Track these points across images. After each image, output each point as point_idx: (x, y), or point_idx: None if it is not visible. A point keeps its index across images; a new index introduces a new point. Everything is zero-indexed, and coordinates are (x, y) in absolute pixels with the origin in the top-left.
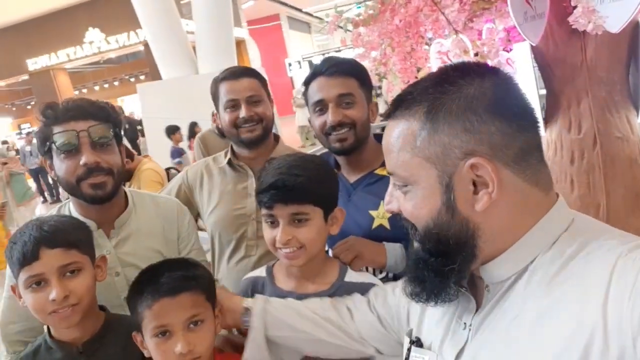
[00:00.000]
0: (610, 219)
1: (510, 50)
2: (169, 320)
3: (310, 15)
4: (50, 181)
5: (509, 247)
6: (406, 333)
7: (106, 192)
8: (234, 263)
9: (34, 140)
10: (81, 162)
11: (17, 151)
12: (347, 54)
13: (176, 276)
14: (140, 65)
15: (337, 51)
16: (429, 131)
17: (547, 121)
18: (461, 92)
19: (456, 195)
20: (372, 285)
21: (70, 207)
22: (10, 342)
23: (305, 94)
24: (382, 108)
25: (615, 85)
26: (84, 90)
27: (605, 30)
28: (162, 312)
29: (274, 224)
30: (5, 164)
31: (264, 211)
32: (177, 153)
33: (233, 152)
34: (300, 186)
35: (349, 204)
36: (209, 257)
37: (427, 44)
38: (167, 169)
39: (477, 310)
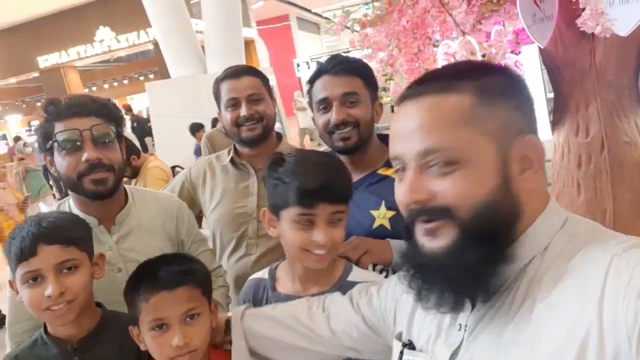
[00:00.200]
0: (617, 224)
1: (519, 53)
2: (166, 313)
3: (319, 16)
4: None
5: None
6: (395, 336)
7: (107, 188)
8: (234, 261)
9: None
10: (83, 159)
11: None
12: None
13: (173, 270)
14: (150, 64)
15: (346, 52)
16: (487, 105)
17: (554, 124)
18: (507, 72)
19: (511, 173)
20: (375, 284)
21: (70, 204)
22: (17, 341)
23: (309, 92)
24: (388, 109)
25: (624, 89)
26: (94, 88)
27: (614, 34)
28: (159, 305)
29: (310, 224)
30: (22, 159)
31: (301, 211)
32: (201, 151)
33: (236, 150)
34: (345, 185)
35: (351, 203)
36: None
37: (434, 45)
38: (173, 167)
39: (471, 311)
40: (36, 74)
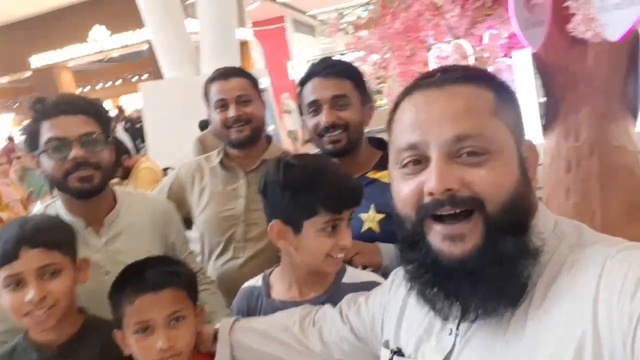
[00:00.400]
0: (605, 228)
1: (510, 57)
2: (151, 315)
3: (315, 18)
4: None
5: None
6: (382, 344)
7: (93, 186)
8: (220, 264)
9: None
10: (69, 157)
11: None
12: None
13: (159, 272)
14: (143, 65)
15: (341, 54)
16: (505, 102)
17: (545, 129)
18: (506, 83)
19: (525, 169)
20: (374, 283)
21: (57, 205)
22: None
23: (300, 94)
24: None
25: (614, 94)
26: (86, 89)
27: (605, 39)
28: (144, 307)
29: (334, 229)
30: (19, 157)
31: (329, 217)
32: None
33: (225, 152)
34: (362, 187)
35: None
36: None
37: (428, 49)
38: (166, 169)
39: (462, 316)
40: (28, 74)
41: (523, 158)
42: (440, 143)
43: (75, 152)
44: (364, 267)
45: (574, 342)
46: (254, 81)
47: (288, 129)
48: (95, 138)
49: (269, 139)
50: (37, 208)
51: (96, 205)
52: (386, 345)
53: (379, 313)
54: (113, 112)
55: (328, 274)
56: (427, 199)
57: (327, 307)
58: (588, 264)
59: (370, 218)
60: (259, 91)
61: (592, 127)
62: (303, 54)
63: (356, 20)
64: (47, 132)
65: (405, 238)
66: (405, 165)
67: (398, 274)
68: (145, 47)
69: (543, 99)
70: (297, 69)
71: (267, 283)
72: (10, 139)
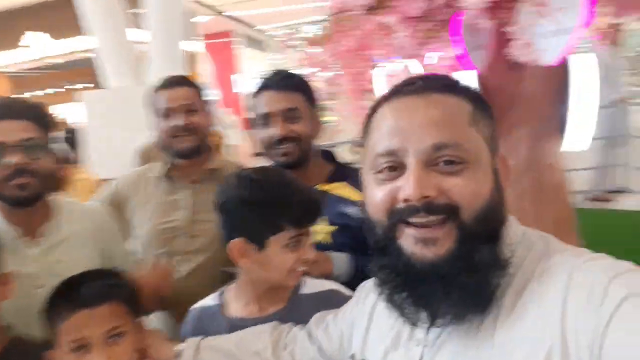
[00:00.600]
0: None
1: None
2: (88, 332)
3: (265, 33)
4: None
5: None
6: (349, 358)
7: (30, 193)
8: None
9: None
10: (9, 163)
11: None
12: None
13: (96, 286)
14: (85, 73)
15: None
16: (481, 114)
17: None
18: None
19: (499, 179)
20: (333, 291)
21: None
22: None
23: (251, 106)
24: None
25: (548, 116)
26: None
27: (540, 64)
28: (80, 324)
29: (299, 243)
30: None
31: (296, 232)
32: None
33: (169, 162)
34: (322, 201)
35: None
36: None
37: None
38: (105, 180)
39: (429, 326)
40: None
41: (497, 169)
42: (418, 151)
43: (14, 158)
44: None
45: (543, 352)
46: (200, 91)
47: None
48: (35, 143)
49: (213, 149)
50: None
51: (33, 214)
52: (352, 358)
53: (347, 328)
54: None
55: (289, 287)
56: (401, 205)
57: (297, 329)
58: (555, 274)
59: (321, 230)
60: (205, 101)
61: (529, 146)
62: (252, 68)
63: (311, 37)
64: None
65: (376, 243)
66: (381, 171)
67: (365, 287)
68: (86, 55)
69: None
70: (243, 83)
71: (222, 302)
72: None
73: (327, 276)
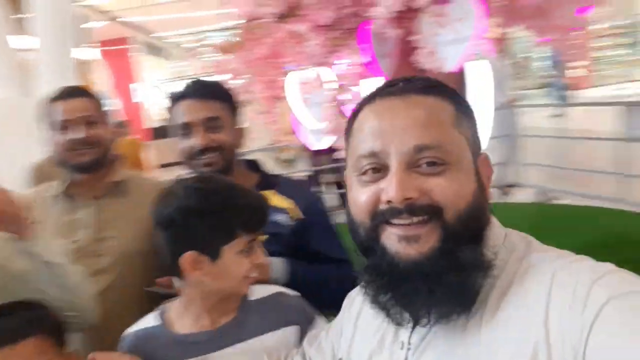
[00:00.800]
0: None
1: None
2: None
3: (166, 40)
4: None
5: None
6: None
7: None
8: None
9: None
10: None
11: None
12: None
13: (14, 321)
14: None
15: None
16: (463, 115)
17: None
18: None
19: (482, 180)
20: (278, 294)
21: None
22: None
23: (169, 116)
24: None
25: None
26: None
27: (440, 72)
28: None
29: (251, 249)
30: None
31: (250, 238)
32: None
33: (68, 178)
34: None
35: None
36: None
37: (286, 74)
38: None
39: (413, 328)
40: None
41: (479, 170)
42: (400, 152)
43: None
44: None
45: (528, 352)
46: (99, 102)
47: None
48: None
49: (117, 162)
50: None
51: None
52: None
53: (336, 338)
54: None
55: (241, 295)
56: (383, 207)
57: (293, 353)
58: (538, 275)
59: None
60: (105, 112)
61: None
62: (152, 76)
63: (221, 44)
64: None
65: (360, 244)
66: (364, 173)
67: (352, 294)
68: None
69: None
70: (144, 92)
71: (164, 321)
72: None
73: (266, 281)
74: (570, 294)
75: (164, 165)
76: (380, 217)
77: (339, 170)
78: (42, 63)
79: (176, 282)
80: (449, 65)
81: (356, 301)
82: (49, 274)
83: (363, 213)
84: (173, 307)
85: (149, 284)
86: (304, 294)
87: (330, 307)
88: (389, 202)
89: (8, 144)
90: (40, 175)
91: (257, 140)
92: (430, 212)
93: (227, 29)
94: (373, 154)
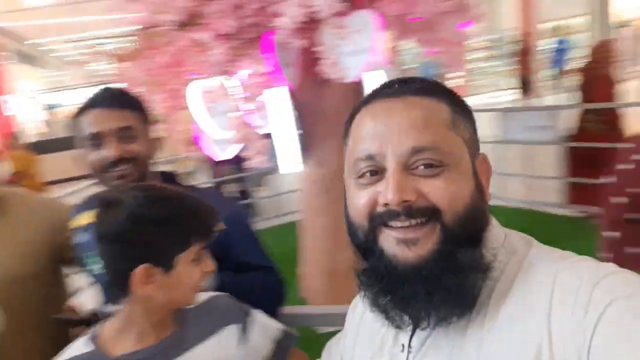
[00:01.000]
0: None
1: (267, 94)
2: None
3: (42, 47)
4: None
5: None
6: None
7: None
8: None
9: None
10: None
11: None
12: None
13: None
14: None
15: (72, 89)
16: (460, 116)
17: (303, 158)
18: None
19: (480, 181)
20: (213, 297)
21: None
22: None
23: (74, 126)
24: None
25: None
26: None
27: (346, 80)
28: None
29: (202, 257)
30: None
31: (203, 244)
32: None
33: None
34: None
35: None
36: None
37: (188, 83)
38: None
39: (415, 330)
40: None
41: (477, 171)
42: (397, 155)
43: None
44: None
45: (530, 357)
46: None
47: None
48: None
49: None
50: None
51: None
52: None
53: (343, 342)
54: None
55: (189, 305)
56: (381, 209)
57: None
58: (540, 278)
59: None
60: None
61: (338, 156)
62: (27, 86)
63: (119, 52)
64: None
65: (358, 246)
66: (361, 176)
67: (355, 298)
68: None
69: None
70: (16, 104)
71: (98, 345)
72: None
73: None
74: (572, 297)
75: (52, 183)
76: (378, 220)
77: (243, 180)
78: None
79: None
80: (351, 75)
81: (359, 305)
82: None
83: (361, 216)
84: (107, 329)
85: (55, 310)
86: None
87: None
88: (386, 204)
89: None
90: None
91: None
92: (428, 214)
93: (116, 36)
94: (370, 157)
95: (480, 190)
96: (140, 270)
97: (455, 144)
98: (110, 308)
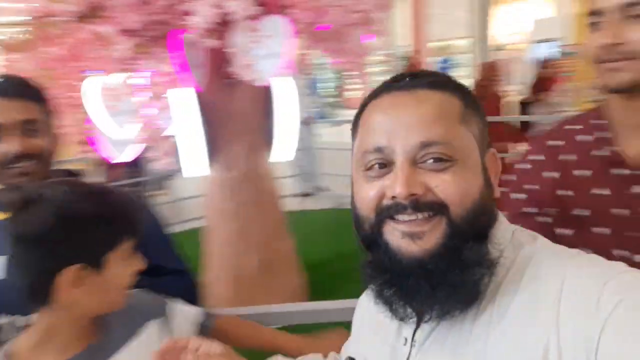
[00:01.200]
0: (263, 245)
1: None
2: None
3: None
4: None
5: None
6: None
7: None
8: None
9: None
10: None
11: None
12: None
13: None
14: None
15: None
16: (471, 111)
17: (210, 161)
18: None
19: (489, 177)
20: (135, 293)
21: None
22: None
23: None
24: None
25: (259, 130)
26: None
27: (259, 83)
28: None
29: (131, 255)
30: None
31: (130, 242)
32: None
33: None
34: None
35: None
36: None
37: (84, 79)
38: None
39: (419, 324)
40: None
41: (486, 167)
42: (406, 148)
43: None
44: None
45: (538, 355)
46: None
47: None
48: None
49: None
50: None
51: None
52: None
53: (348, 341)
54: None
55: (117, 309)
56: (388, 202)
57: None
58: (548, 277)
59: None
60: None
61: (246, 159)
62: None
63: (7, 41)
64: None
65: (364, 239)
66: (369, 168)
67: (362, 298)
68: None
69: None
70: None
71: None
72: None
73: None
74: (581, 296)
75: None
76: (385, 213)
77: (140, 184)
78: None
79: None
80: (264, 79)
81: (364, 299)
82: None
83: (368, 208)
84: (23, 344)
85: None
86: None
87: None
88: (393, 197)
89: None
90: None
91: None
92: (435, 208)
93: (6, 24)
94: (379, 150)
95: (488, 186)
96: (69, 272)
97: (465, 138)
98: (23, 319)
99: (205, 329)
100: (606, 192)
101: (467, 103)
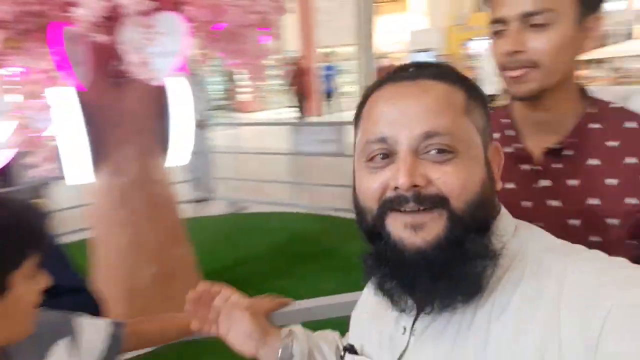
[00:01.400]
0: (157, 253)
1: (52, 93)
2: None
3: None
4: None
5: None
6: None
7: None
8: None
9: None
10: None
11: None
12: None
13: None
14: None
15: None
16: (475, 103)
17: (95, 167)
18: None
19: (492, 170)
20: (41, 314)
21: None
22: None
23: None
24: None
25: (152, 133)
26: None
27: (155, 82)
28: None
29: (37, 272)
30: None
31: (36, 258)
32: None
33: None
34: None
35: None
36: None
37: None
38: None
39: (418, 314)
40: None
41: (489, 160)
42: (409, 139)
43: None
44: None
45: (537, 350)
46: None
47: None
48: None
49: None
50: None
51: None
52: (344, 348)
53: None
54: None
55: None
56: (391, 193)
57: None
58: (550, 272)
59: None
60: None
61: (137, 164)
62: None
63: None
64: None
65: (366, 230)
66: (372, 159)
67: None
68: None
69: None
70: None
71: None
72: None
73: None
74: (581, 292)
75: None
76: (388, 204)
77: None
78: None
79: None
80: (159, 77)
81: (364, 291)
82: None
83: (371, 200)
84: None
85: None
86: None
87: None
88: (396, 188)
89: None
90: None
91: None
92: (436, 201)
93: None
94: (382, 140)
95: (491, 179)
96: None
97: (468, 130)
98: None
99: (117, 339)
100: (512, 185)
101: (470, 95)
